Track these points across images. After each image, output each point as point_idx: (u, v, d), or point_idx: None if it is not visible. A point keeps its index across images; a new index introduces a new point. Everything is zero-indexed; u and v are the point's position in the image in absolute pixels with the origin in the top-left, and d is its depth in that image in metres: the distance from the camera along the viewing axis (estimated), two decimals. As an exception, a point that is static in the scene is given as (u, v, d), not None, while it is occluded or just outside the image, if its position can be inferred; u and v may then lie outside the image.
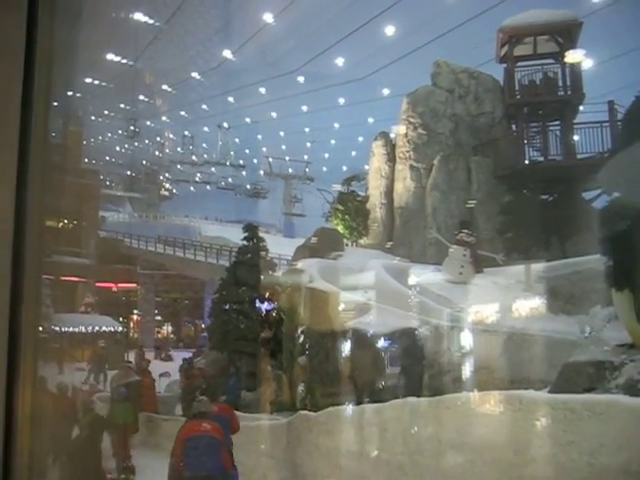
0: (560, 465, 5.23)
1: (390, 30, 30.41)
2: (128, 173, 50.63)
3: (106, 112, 42.82)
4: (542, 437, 5.59)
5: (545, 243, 16.92)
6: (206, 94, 42.71)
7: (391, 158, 22.95)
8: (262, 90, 41.26)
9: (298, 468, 10.16)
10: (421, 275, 17.63)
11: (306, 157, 46.55)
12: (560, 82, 21.07)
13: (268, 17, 31.45)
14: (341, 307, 15.82)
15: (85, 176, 33.79)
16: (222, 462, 7.86)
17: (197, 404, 8.44)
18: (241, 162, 48.82)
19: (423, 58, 26.43)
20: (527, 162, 20.24)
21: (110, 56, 33.95)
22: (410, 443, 7.38)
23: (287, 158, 46.57)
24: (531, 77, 21.37)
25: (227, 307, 19.90)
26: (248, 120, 46.58)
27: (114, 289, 38.05)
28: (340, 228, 22.75)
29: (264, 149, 47.59)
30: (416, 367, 12.99)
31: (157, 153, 50.83)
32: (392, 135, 23.55)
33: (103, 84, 37.04)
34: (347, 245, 22.38)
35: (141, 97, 41.02)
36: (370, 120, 39.81)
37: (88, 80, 33.48)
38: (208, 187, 49.84)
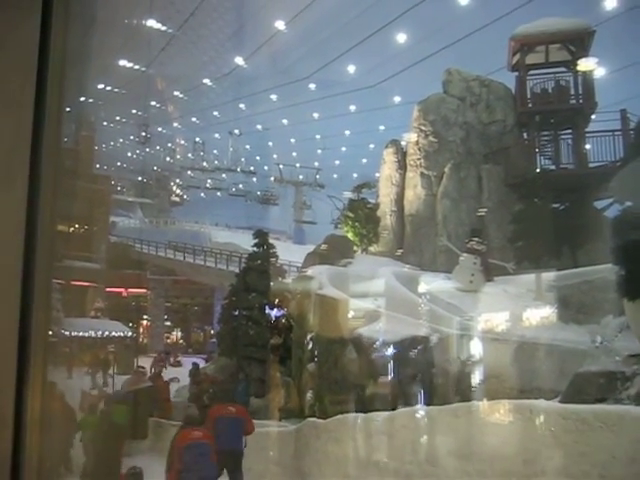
0: (572, 477, 5.18)
1: (402, 38, 30.47)
2: (139, 179, 50.81)
3: (118, 118, 43.10)
4: (553, 448, 5.54)
5: (556, 252, 16.83)
6: (218, 100, 42.91)
7: (402, 166, 22.92)
8: (273, 97, 41.39)
9: (306, 476, 10.12)
10: (431, 283, 17.58)
11: (317, 164, 46.56)
12: (572, 90, 21.03)
13: (280, 24, 31.61)
14: (350, 314, 15.80)
15: (96, 181, 33.93)
16: (215, 466, 8.11)
17: (187, 412, 8.67)
18: (252, 169, 48.93)
19: (434, 66, 26.42)
20: (538, 170, 20.15)
21: (123, 62, 34.22)
22: (419, 452, 7.34)
23: (298, 165, 46.62)
24: (543, 85, 21.31)
25: (237, 313, 19.90)
26: (259, 127, 46.70)
27: (124, 294, 38.12)
28: (350, 235, 22.72)
29: (275, 156, 47.66)
30: (425, 375, 12.94)
31: (168, 159, 51.02)
32: (403, 143, 23.53)
33: (115, 90, 37.30)
34: (357, 252, 22.34)
35: (153, 103, 41.25)
36: (381, 127, 39.80)
37: (101, 86, 33.71)
38: (219, 193, 50.02)
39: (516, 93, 22.22)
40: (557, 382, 9.32)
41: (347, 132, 45.57)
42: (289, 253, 28.49)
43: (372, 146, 38.08)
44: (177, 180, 52.83)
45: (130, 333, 29.61)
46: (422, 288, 17.07)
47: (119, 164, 48.96)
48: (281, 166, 45.90)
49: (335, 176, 45.68)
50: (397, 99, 37.35)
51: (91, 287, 31.24)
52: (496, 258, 18.19)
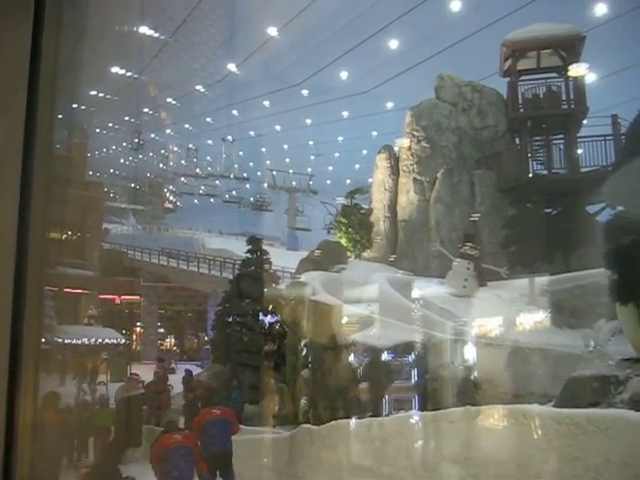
0: (565, 481, 5.19)
1: (394, 44, 30.61)
2: (132, 185, 50.75)
3: (110, 124, 43.10)
4: (547, 452, 5.55)
5: (549, 257, 16.87)
6: (210, 107, 42.99)
7: (395, 171, 22.97)
8: (266, 103, 41.44)
9: (300, 482, 10.10)
10: (425, 288, 17.61)
11: (310, 170, 46.53)
12: (564, 96, 21.12)
13: (272, 30, 31.70)
14: (344, 320, 15.80)
15: (89, 188, 33.79)
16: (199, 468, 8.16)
17: (167, 418, 8.82)
18: (245, 175, 48.90)
19: (427, 71, 26.51)
20: (531, 175, 20.21)
21: (115, 69, 34.23)
22: (413, 457, 7.34)
23: (291, 171, 46.59)
24: (534, 91, 21.41)
25: (230, 320, 19.88)
26: (252, 133, 46.78)
27: (117, 301, 37.98)
28: (343, 241, 22.73)
29: (268, 162, 47.69)
30: (419, 381, 12.94)
31: (161, 166, 51.00)
32: (396, 148, 23.58)
33: (108, 97, 37.28)
34: (350, 258, 22.35)
35: (145, 110, 41.28)
36: (374, 133, 39.88)
37: (93, 92, 33.67)
38: (212, 200, 49.94)
39: (508, 98, 22.31)
40: (551, 386, 9.34)
41: (340, 138, 45.69)
42: (282, 259, 28.45)
43: (365, 152, 38.20)
44: (170, 187, 52.78)
45: (123, 340, 29.51)
46: (415, 293, 17.09)
47: (112, 171, 48.92)
48: (274, 172, 45.86)
49: (328, 182, 45.78)
50: (390, 105, 37.50)
51: (84, 294, 31.09)
52: (489, 263, 18.24)
